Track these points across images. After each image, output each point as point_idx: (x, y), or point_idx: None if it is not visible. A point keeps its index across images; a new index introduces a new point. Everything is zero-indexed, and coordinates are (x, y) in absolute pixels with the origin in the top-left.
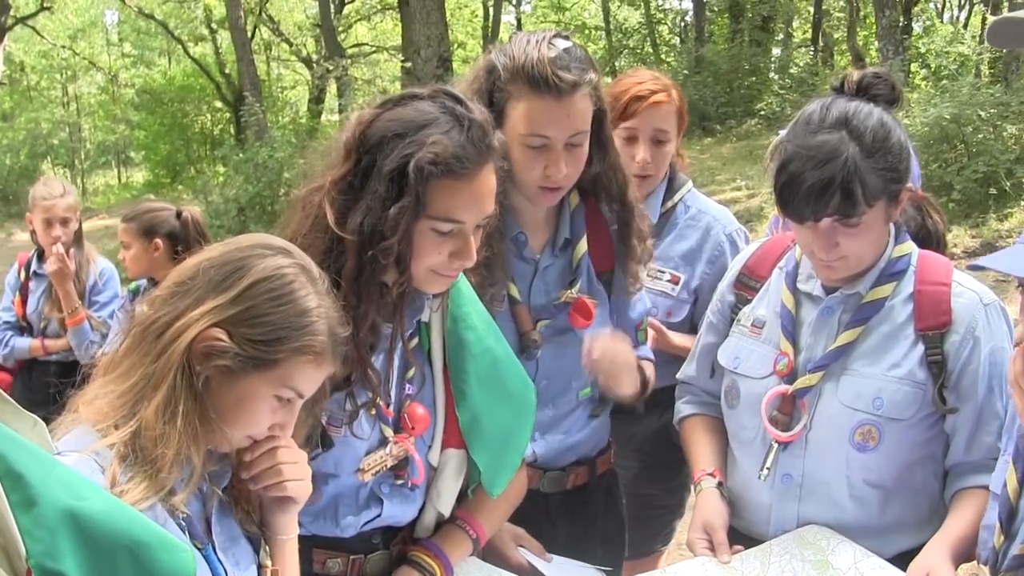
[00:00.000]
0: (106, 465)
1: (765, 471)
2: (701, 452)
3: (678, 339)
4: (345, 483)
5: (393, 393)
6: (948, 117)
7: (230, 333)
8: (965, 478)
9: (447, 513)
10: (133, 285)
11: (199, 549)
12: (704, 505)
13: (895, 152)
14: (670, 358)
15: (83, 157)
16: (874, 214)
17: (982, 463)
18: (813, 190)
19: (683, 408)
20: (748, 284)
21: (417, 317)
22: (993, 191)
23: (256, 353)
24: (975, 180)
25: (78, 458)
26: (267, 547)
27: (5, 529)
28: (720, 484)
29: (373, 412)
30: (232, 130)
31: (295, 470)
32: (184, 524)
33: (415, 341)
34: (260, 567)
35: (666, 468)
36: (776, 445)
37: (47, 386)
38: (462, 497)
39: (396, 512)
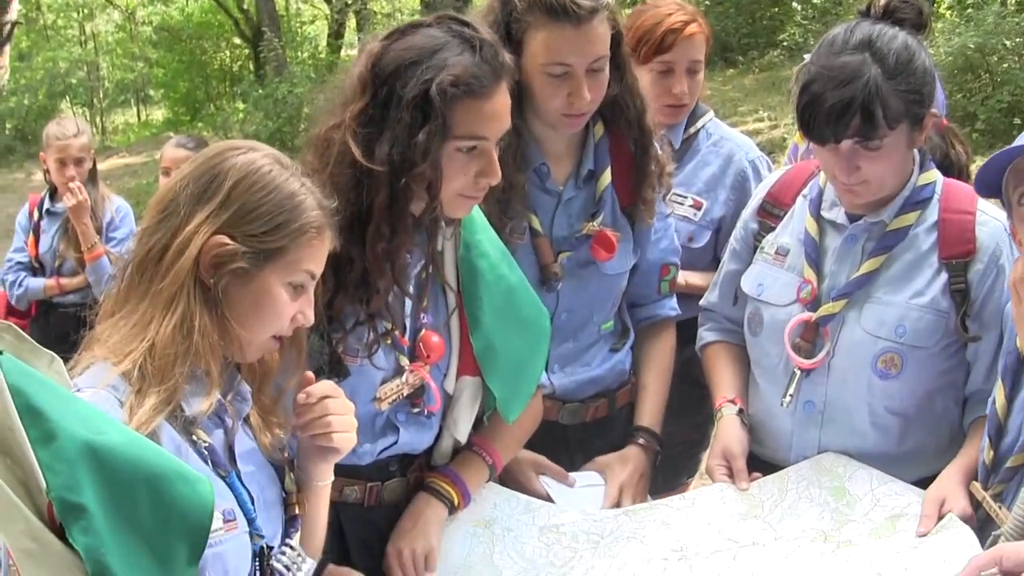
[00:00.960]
0: (124, 398)
1: (787, 398)
2: (723, 379)
3: (700, 280)
4: (361, 412)
5: (408, 322)
6: (972, 47)
7: (232, 236)
8: (983, 406)
9: (463, 440)
10: None
11: (222, 477)
12: (724, 432)
13: (919, 75)
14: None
15: (101, 96)
16: (896, 138)
17: None
18: (834, 111)
19: (706, 335)
20: (772, 212)
21: (431, 245)
22: (1017, 121)
23: (262, 246)
24: (999, 110)
25: (96, 393)
26: (291, 475)
27: (25, 463)
28: (741, 411)
29: (389, 342)
30: (251, 66)
31: (343, 422)
32: (206, 453)
33: (429, 269)
34: (287, 494)
35: (689, 404)
36: (799, 372)
37: (64, 329)
38: (478, 424)
39: (412, 440)
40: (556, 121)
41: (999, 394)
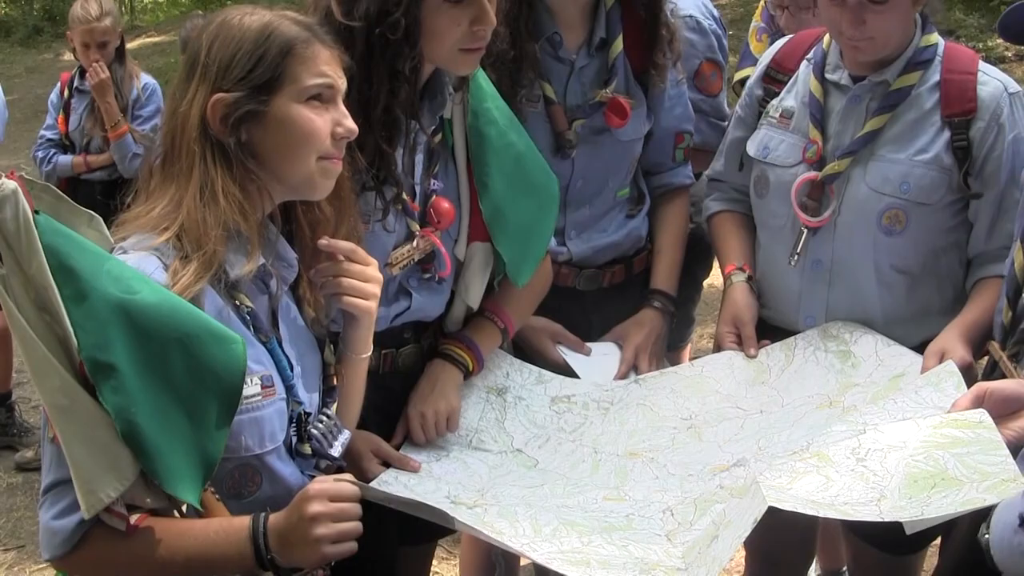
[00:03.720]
0: (168, 261)
1: (795, 257)
2: (731, 247)
3: None
4: None
5: (418, 188)
6: None
7: (224, 89)
8: (985, 268)
9: (475, 306)
10: None
11: (263, 343)
12: (733, 299)
13: None
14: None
15: None
16: None
17: (1001, 252)
18: None
19: (712, 205)
20: (776, 78)
21: (439, 112)
22: None
23: (257, 82)
24: None
25: (141, 256)
26: (331, 346)
27: (64, 321)
28: (750, 278)
29: (399, 207)
30: None
31: (360, 287)
32: (248, 318)
33: (439, 137)
34: (325, 364)
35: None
36: (806, 231)
37: (92, 205)
38: (490, 290)
39: (425, 305)
40: None
41: (1018, 255)
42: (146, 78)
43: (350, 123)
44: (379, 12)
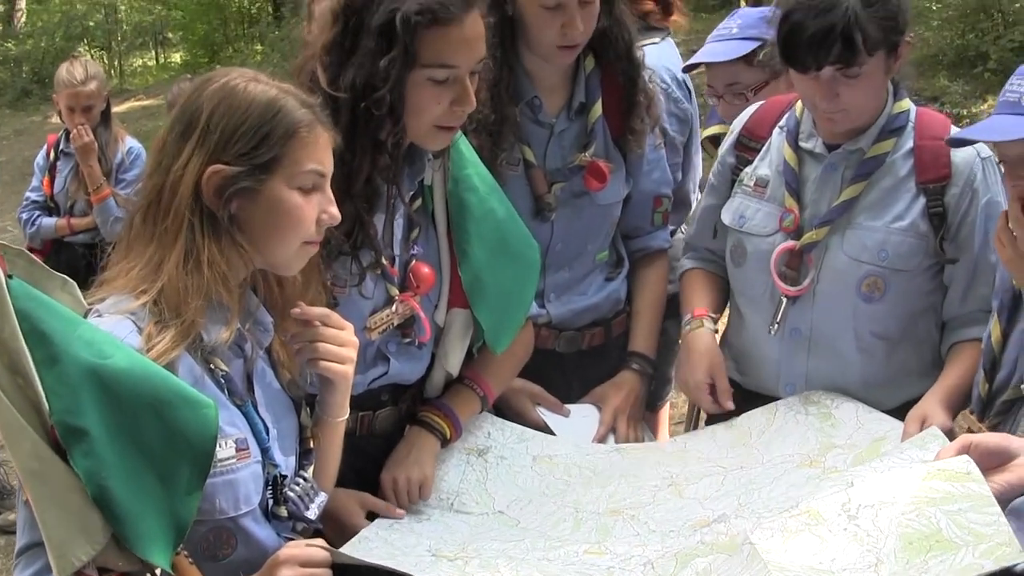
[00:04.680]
0: (143, 325)
1: (775, 326)
2: (701, 296)
3: None
4: None
5: (397, 253)
6: None
7: (224, 160)
8: (959, 331)
9: (455, 372)
10: None
11: (238, 406)
12: (708, 347)
13: (893, 3)
14: None
15: (119, 39)
16: (874, 64)
17: (976, 315)
18: (815, 39)
19: (686, 263)
20: (748, 145)
21: (419, 178)
22: None
23: (257, 160)
24: (1011, 50)
25: (115, 320)
26: (307, 409)
27: (35, 386)
28: (716, 331)
29: (378, 272)
30: (269, 8)
31: (335, 352)
32: (223, 382)
33: (418, 202)
34: (302, 427)
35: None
36: (785, 300)
37: (76, 267)
38: (469, 357)
39: (403, 370)
40: (550, 53)
41: (995, 329)
42: (131, 142)
43: (335, 210)
44: (365, 86)
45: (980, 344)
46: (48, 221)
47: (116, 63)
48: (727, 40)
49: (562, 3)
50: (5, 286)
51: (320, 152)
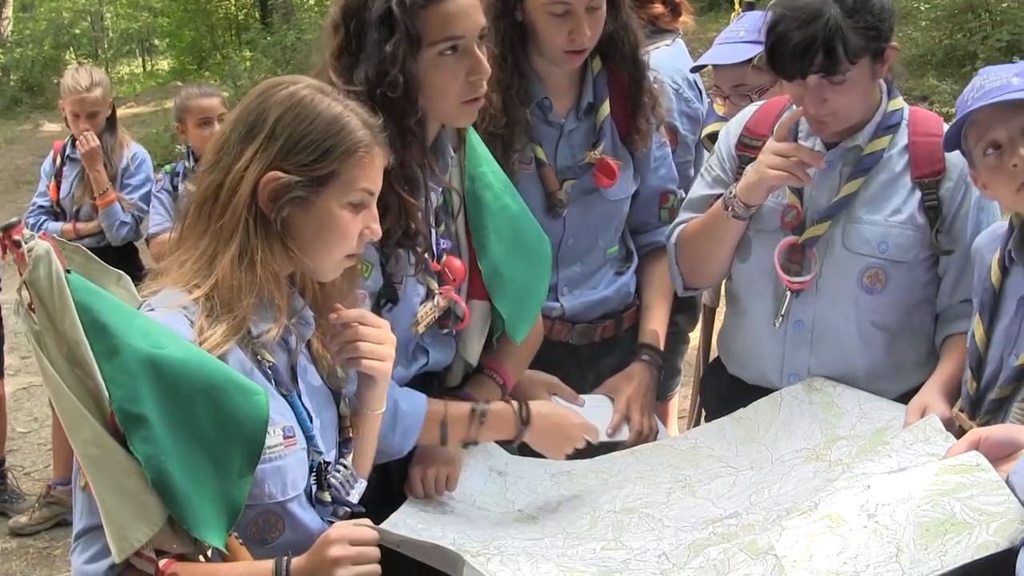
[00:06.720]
0: (194, 319)
1: (779, 319)
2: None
3: None
4: (400, 337)
5: (435, 247)
6: None
7: (284, 168)
8: (951, 324)
9: (474, 362)
10: (169, 167)
11: (284, 396)
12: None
13: (876, 12)
14: None
15: (106, 47)
16: (858, 71)
17: (965, 307)
18: (798, 49)
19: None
20: (750, 144)
21: (446, 172)
22: (1016, 59)
23: (315, 173)
24: (999, 49)
25: (169, 313)
26: (346, 399)
27: (94, 376)
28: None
29: (422, 267)
30: (257, 14)
31: (374, 349)
32: (270, 372)
33: (441, 199)
34: (341, 417)
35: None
36: (789, 293)
37: None
38: (487, 347)
39: (440, 358)
40: (558, 58)
41: (977, 328)
42: (136, 148)
43: (377, 227)
44: (377, 73)
45: None
46: (54, 225)
47: (103, 71)
48: (734, 43)
49: (570, 10)
50: (65, 281)
51: (374, 173)
